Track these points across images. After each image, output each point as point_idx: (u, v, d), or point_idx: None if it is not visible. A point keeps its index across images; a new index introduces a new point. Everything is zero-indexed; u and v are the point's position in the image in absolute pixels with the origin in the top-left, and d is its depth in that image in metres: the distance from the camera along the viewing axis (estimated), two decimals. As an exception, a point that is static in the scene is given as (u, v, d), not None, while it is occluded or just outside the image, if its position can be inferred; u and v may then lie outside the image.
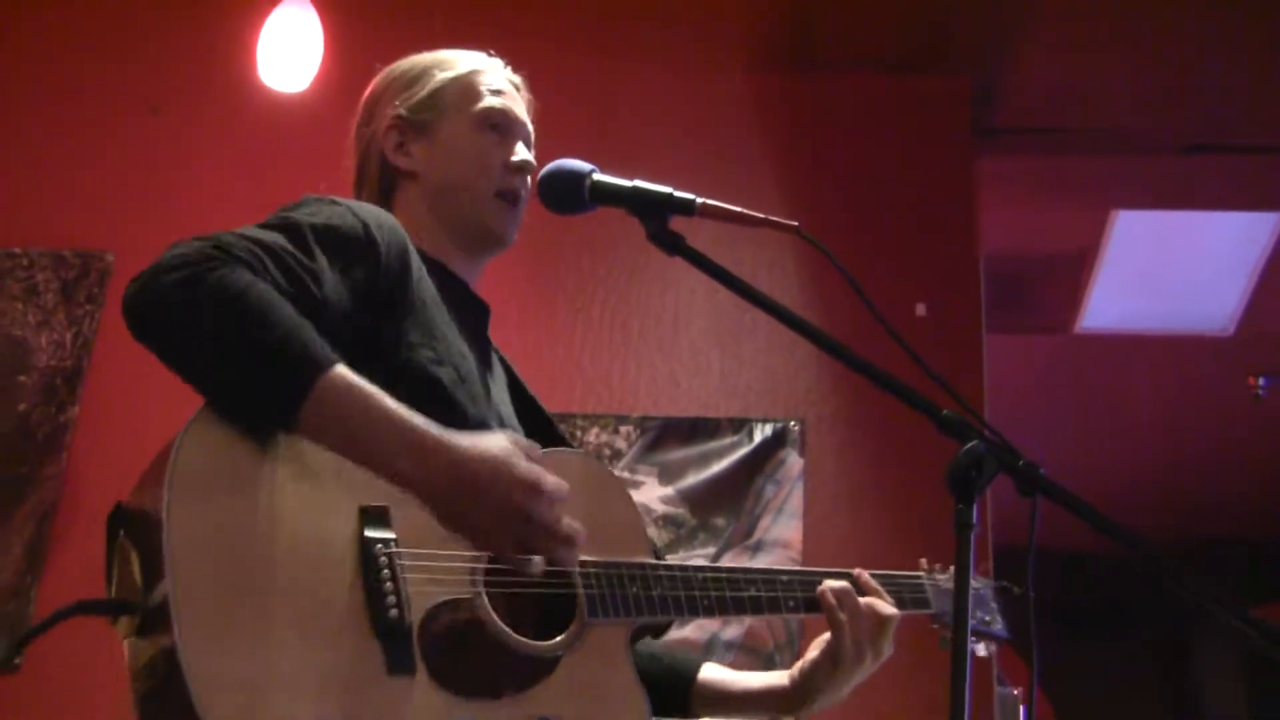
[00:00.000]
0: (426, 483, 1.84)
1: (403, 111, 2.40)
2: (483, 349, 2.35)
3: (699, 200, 2.07)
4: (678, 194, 2.09)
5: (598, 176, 2.14)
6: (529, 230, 5.76)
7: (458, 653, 1.92)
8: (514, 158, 2.41)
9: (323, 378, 1.80)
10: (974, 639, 2.59)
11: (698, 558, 5.08)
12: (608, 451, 5.25)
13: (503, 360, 2.44)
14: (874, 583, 2.42)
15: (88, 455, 5.13)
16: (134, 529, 1.80)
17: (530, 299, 5.45)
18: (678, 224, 2.11)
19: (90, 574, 2.00)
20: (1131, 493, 9.58)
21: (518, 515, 1.87)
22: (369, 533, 1.86)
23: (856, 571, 2.44)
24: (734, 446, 5.23)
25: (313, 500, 1.85)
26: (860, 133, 5.63)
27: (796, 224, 2.06)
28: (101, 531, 1.86)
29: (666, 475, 5.22)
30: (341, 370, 1.82)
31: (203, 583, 1.72)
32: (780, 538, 5.09)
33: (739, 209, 2.07)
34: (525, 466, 1.89)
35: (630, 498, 2.28)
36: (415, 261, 2.16)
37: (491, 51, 2.54)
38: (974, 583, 2.65)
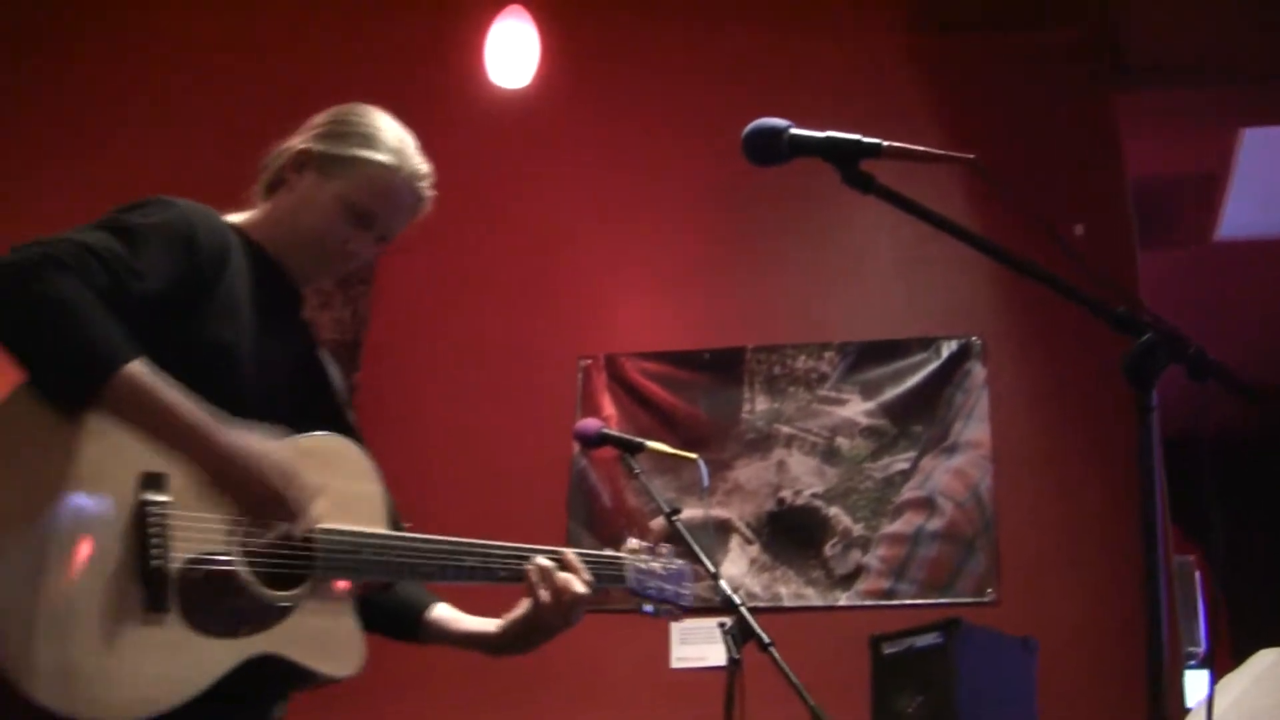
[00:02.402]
0: (198, 458, 2.04)
1: (318, 150, 2.48)
2: (288, 330, 2.48)
3: (884, 144, 2.01)
4: (865, 139, 2.03)
5: (794, 130, 2.09)
6: (729, 190, 5.74)
7: (207, 597, 2.04)
8: (350, 245, 2.49)
9: (122, 370, 1.97)
10: (664, 607, 2.73)
11: (900, 462, 5.06)
12: (815, 375, 5.23)
13: (312, 340, 2.58)
14: (577, 561, 2.50)
15: (368, 413, 5.25)
16: None
17: (735, 249, 5.47)
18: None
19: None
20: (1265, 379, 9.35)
21: (270, 494, 2.09)
22: (146, 495, 2.00)
23: (563, 551, 2.50)
24: (924, 362, 5.16)
25: (106, 462, 1.99)
26: (1010, 83, 5.52)
27: (973, 156, 2.00)
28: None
29: (867, 392, 5.18)
30: (139, 365, 2.00)
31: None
32: (972, 439, 5.03)
33: (920, 148, 2.00)
34: (281, 459, 2.12)
35: (376, 476, 2.40)
36: (233, 262, 2.30)
37: (425, 156, 2.56)
38: (676, 562, 2.78)
